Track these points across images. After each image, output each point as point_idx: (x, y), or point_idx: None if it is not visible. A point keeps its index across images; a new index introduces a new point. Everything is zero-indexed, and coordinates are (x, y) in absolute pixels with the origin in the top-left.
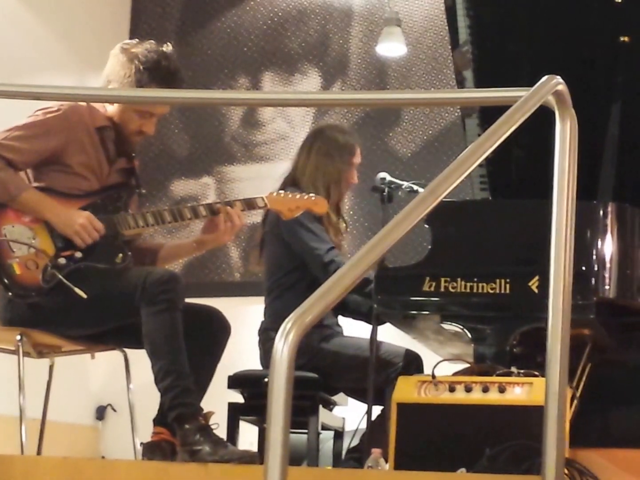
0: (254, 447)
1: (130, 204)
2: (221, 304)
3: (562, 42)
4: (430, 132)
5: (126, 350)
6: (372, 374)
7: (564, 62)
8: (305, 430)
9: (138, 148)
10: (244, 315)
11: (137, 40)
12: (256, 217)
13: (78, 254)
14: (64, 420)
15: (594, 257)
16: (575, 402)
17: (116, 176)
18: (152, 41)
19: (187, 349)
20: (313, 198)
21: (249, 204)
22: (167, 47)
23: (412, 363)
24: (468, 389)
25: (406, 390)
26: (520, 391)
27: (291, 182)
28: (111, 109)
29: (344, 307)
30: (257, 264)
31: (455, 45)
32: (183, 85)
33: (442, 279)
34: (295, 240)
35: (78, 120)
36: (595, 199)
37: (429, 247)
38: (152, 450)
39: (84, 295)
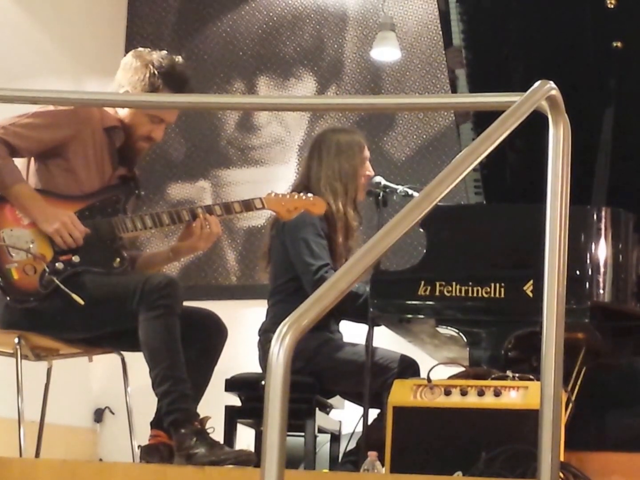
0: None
1: (129, 206)
2: (218, 307)
3: (556, 47)
4: (424, 136)
5: (124, 353)
6: (369, 377)
7: (558, 67)
8: (302, 433)
9: (143, 156)
10: (241, 318)
11: (149, 49)
12: (254, 220)
13: (76, 258)
14: (62, 423)
15: (588, 261)
16: (570, 405)
17: (116, 180)
18: (164, 51)
19: (184, 352)
20: (311, 198)
21: (247, 206)
22: (179, 58)
23: (408, 369)
24: (463, 393)
25: (402, 393)
26: (515, 395)
27: (302, 190)
28: (122, 112)
29: (344, 310)
30: (264, 271)
31: (448, 46)
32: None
33: (437, 283)
34: (293, 251)
35: (87, 117)
36: (589, 204)
37: (424, 251)
38: (149, 453)
39: (81, 302)
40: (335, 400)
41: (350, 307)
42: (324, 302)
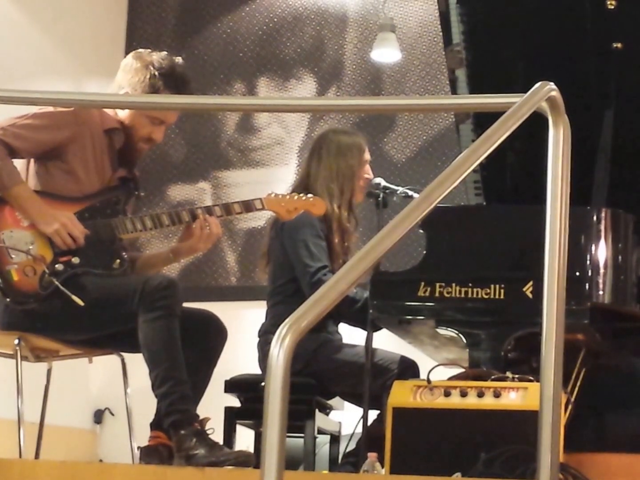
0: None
1: (129, 207)
2: (217, 308)
3: (556, 48)
4: (424, 137)
5: (124, 354)
6: (368, 379)
7: (558, 68)
8: (302, 435)
9: (143, 158)
10: (241, 319)
11: (149, 50)
12: (254, 221)
13: (75, 260)
14: (62, 424)
15: (588, 262)
16: (569, 406)
17: (116, 181)
18: (164, 52)
19: (184, 354)
20: (311, 199)
21: (247, 207)
22: (179, 59)
23: (407, 370)
24: (463, 394)
25: (402, 394)
26: (515, 396)
27: (302, 190)
28: (122, 114)
29: (342, 313)
30: (263, 271)
31: (448, 46)
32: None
33: (437, 284)
34: (292, 252)
35: (87, 118)
36: (589, 205)
37: (424, 252)
38: (149, 454)
39: (81, 303)
40: (335, 401)
41: (346, 311)
42: (323, 303)
